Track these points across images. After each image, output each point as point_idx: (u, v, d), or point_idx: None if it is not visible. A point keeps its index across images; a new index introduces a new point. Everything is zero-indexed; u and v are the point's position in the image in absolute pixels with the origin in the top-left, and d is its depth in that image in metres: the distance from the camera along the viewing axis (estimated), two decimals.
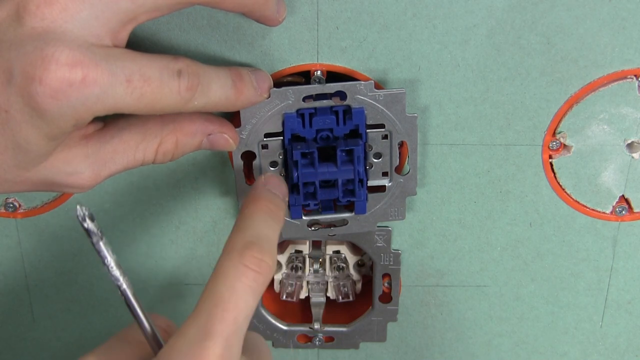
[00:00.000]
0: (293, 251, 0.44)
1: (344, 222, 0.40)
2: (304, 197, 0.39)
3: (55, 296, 0.44)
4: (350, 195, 0.39)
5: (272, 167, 0.39)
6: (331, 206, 0.40)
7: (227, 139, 0.37)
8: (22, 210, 0.41)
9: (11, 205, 0.41)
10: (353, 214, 0.40)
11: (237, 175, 0.39)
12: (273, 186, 0.35)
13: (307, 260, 0.44)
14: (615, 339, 0.46)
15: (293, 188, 0.39)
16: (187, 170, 0.40)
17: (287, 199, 0.36)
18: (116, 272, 0.29)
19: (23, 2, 0.29)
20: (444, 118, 0.39)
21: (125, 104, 0.30)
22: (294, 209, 0.39)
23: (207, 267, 0.43)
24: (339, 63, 0.38)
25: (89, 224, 0.28)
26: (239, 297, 0.30)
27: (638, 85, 0.38)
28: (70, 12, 0.29)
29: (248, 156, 0.39)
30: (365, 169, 0.39)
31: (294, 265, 0.44)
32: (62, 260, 0.43)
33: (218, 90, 0.33)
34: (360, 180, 0.39)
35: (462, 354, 0.47)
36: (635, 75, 0.38)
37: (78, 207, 0.28)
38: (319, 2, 0.36)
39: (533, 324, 0.45)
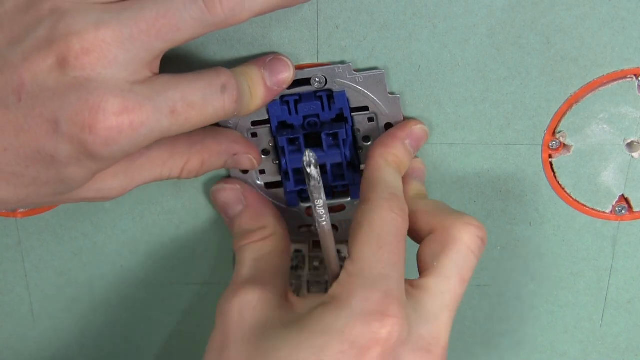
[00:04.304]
0: (293, 251, 0.44)
1: (341, 207, 0.41)
2: (294, 183, 0.39)
3: (55, 296, 0.44)
4: (340, 179, 0.39)
5: (264, 155, 0.39)
6: (329, 192, 0.40)
7: (250, 159, 0.38)
8: (22, 210, 0.41)
9: None
10: (350, 199, 0.40)
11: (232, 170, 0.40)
12: (413, 142, 0.38)
13: (307, 259, 0.44)
14: (615, 338, 0.46)
15: (285, 175, 0.39)
16: None
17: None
18: (321, 212, 0.33)
19: (62, 54, 0.29)
20: (443, 117, 0.39)
21: (172, 131, 0.32)
22: (290, 197, 0.40)
23: (207, 267, 0.43)
24: (339, 62, 0.38)
25: (312, 170, 0.32)
26: (399, 241, 0.34)
27: (638, 85, 0.38)
28: (108, 59, 0.30)
29: None
30: (357, 153, 0.39)
31: (294, 265, 0.44)
32: (62, 259, 0.43)
33: (245, 97, 0.34)
34: (351, 164, 0.39)
35: (462, 353, 0.47)
36: (635, 75, 0.38)
37: (308, 152, 0.32)
38: (319, 1, 0.36)
39: (533, 323, 0.45)
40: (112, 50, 0.30)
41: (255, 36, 0.37)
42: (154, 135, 0.31)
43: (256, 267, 0.37)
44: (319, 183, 0.32)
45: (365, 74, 0.37)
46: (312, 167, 0.32)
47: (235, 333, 0.34)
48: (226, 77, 0.33)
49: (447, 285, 0.34)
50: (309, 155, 0.32)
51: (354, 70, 0.37)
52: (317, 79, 0.38)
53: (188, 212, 0.42)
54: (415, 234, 0.37)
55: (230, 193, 0.39)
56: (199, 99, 0.32)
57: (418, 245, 0.36)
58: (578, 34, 0.37)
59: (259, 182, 0.40)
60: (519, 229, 0.42)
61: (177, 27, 0.30)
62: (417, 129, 0.38)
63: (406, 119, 0.39)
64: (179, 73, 0.32)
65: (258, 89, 0.35)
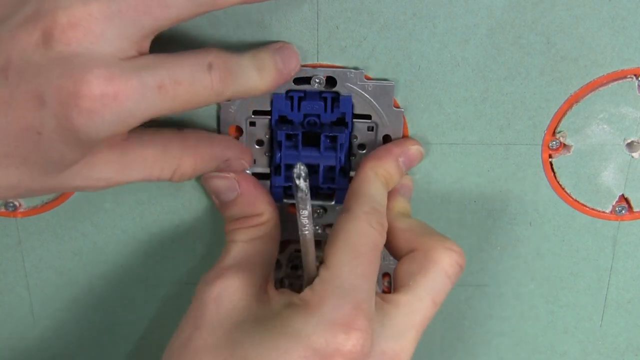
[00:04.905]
0: (293, 250, 0.44)
1: (323, 210, 0.41)
2: (285, 179, 0.39)
3: (55, 296, 0.44)
4: (330, 182, 0.40)
5: (257, 145, 0.39)
6: (315, 193, 0.40)
7: (243, 164, 0.38)
8: (22, 210, 0.41)
9: (11, 204, 0.41)
10: (333, 202, 0.40)
11: None
12: (406, 160, 0.39)
13: None
14: (614, 338, 0.46)
15: (276, 169, 0.39)
16: None
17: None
18: (305, 222, 0.34)
19: (48, 28, 0.29)
20: (444, 117, 0.39)
21: (159, 109, 0.31)
22: (276, 191, 0.40)
23: (207, 266, 0.43)
24: (339, 63, 0.38)
25: (301, 182, 0.32)
26: (373, 254, 0.34)
27: (638, 85, 0.39)
28: (94, 34, 0.29)
29: (235, 131, 0.39)
30: (349, 159, 0.39)
31: (294, 264, 0.44)
32: (62, 259, 0.43)
33: (245, 78, 0.34)
34: (343, 169, 0.39)
35: (462, 353, 0.47)
36: (635, 75, 0.38)
37: (299, 164, 0.32)
38: (319, 2, 0.36)
39: (533, 323, 0.45)
40: (99, 25, 0.29)
41: (255, 36, 0.37)
42: (142, 113, 0.30)
43: (246, 250, 0.38)
44: (306, 195, 0.33)
45: (375, 83, 0.37)
46: (302, 179, 0.32)
47: (210, 316, 0.34)
48: (214, 56, 0.32)
49: (418, 305, 0.35)
50: (300, 168, 0.32)
51: (365, 78, 0.37)
52: (317, 80, 0.38)
53: (188, 212, 0.42)
54: (395, 251, 0.37)
55: (223, 181, 0.39)
56: (187, 76, 0.31)
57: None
58: (578, 34, 0.37)
59: (247, 172, 0.40)
60: (519, 229, 0.42)
61: (165, 3, 0.30)
62: (413, 148, 0.39)
63: (405, 135, 0.39)
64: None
65: (268, 71, 0.35)
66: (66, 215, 0.42)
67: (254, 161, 0.40)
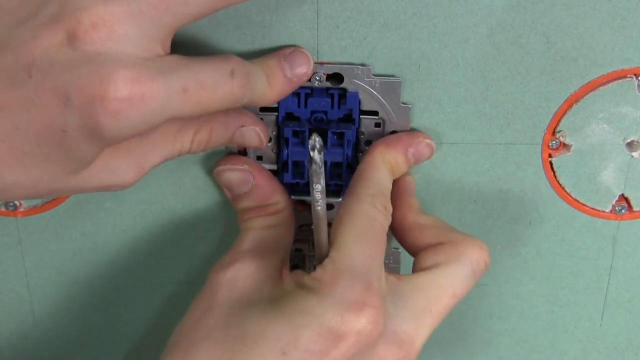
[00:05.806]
0: (293, 250, 0.44)
1: (330, 206, 0.41)
2: (292, 175, 0.39)
3: (55, 295, 0.44)
4: (337, 179, 0.40)
5: None
6: None
7: (258, 133, 0.37)
8: (22, 209, 0.41)
9: (11, 204, 0.41)
10: (340, 199, 0.40)
11: (231, 148, 0.40)
12: (416, 152, 0.38)
13: (307, 258, 0.44)
14: (614, 337, 0.46)
15: (283, 166, 0.39)
16: (188, 169, 0.41)
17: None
18: (318, 197, 0.33)
19: (72, 28, 0.29)
20: (443, 117, 0.39)
21: (182, 111, 0.31)
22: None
23: (207, 266, 0.43)
24: (339, 62, 0.38)
25: (315, 154, 0.31)
26: (380, 235, 0.34)
27: (638, 85, 0.39)
28: (118, 33, 0.30)
29: None
30: (356, 156, 0.39)
31: (293, 264, 0.44)
32: (62, 259, 0.43)
33: (258, 86, 0.34)
34: (350, 165, 0.39)
35: (462, 352, 0.47)
36: (635, 75, 0.38)
37: (315, 136, 0.31)
38: (319, 1, 0.36)
39: (533, 323, 0.45)
40: (122, 25, 0.30)
41: (255, 36, 0.37)
42: (164, 114, 0.31)
43: (262, 236, 0.38)
44: (320, 168, 0.32)
45: (382, 79, 0.38)
46: (316, 151, 0.31)
47: (223, 297, 0.35)
48: (235, 63, 0.33)
49: (437, 292, 0.35)
50: (314, 140, 0.31)
51: (372, 75, 0.37)
52: (317, 77, 0.38)
53: (188, 211, 0.42)
54: (417, 247, 0.37)
55: (237, 174, 0.39)
56: (210, 81, 0.32)
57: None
58: (578, 34, 0.37)
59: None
60: (518, 229, 0.42)
61: (184, 0, 0.30)
62: (425, 142, 0.39)
63: (412, 129, 0.39)
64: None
65: (276, 80, 0.35)
66: (66, 214, 0.42)
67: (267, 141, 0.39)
